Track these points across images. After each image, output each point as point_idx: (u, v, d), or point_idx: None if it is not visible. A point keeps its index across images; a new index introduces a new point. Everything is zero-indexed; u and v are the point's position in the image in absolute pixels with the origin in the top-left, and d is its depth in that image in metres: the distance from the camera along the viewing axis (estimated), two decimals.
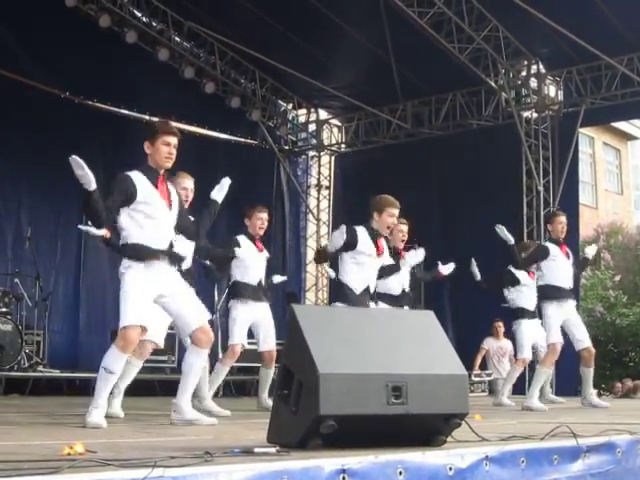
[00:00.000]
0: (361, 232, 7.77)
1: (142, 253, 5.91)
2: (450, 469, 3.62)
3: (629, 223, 29.91)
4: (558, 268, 9.50)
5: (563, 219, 9.73)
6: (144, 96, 14.89)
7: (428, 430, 3.98)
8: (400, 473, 3.44)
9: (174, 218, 6.20)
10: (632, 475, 4.50)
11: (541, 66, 15.08)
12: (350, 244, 7.73)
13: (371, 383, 3.83)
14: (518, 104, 15.34)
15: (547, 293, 9.55)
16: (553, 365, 10.23)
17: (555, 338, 9.45)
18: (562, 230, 9.65)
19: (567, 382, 14.24)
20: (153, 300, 5.95)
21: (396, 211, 7.88)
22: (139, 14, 14.91)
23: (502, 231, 9.33)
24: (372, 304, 7.78)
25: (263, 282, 8.69)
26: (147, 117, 15.50)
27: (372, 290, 7.86)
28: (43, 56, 13.65)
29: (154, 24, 15.04)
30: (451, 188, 15.64)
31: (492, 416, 7.07)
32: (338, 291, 7.90)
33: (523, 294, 11.10)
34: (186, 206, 6.98)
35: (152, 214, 6.01)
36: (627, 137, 33.07)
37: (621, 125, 30.18)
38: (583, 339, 9.71)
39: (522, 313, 11.02)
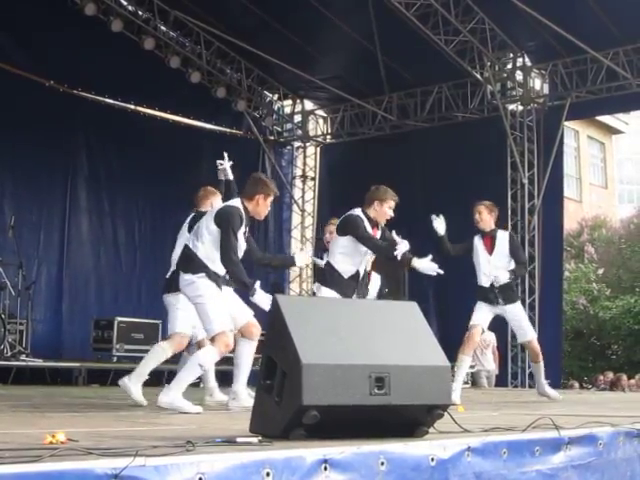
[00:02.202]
0: (364, 218, 7.75)
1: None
2: (432, 460, 3.62)
3: (613, 217, 30.08)
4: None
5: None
6: (129, 85, 14.84)
7: (411, 421, 3.98)
8: (382, 463, 3.44)
9: None
10: (613, 467, 4.52)
11: (527, 59, 15.10)
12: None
13: (354, 374, 3.82)
14: (504, 97, 15.37)
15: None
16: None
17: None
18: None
19: (549, 374, 14.30)
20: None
21: (394, 204, 7.88)
22: (125, 2, 14.85)
23: (435, 221, 9.30)
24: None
25: None
26: (132, 106, 15.48)
27: (361, 276, 7.84)
28: (27, 44, 13.60)
29: (140, 13, 14.98)
30: (436, 180, 15.65)
31: (475, 408, 7.08)
32: (326, 274, 7.84)
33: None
34: None
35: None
36: (612, 131, 33.23)
37: (606, 119, 30.33)
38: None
39: None
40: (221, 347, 6.37)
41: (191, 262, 6.53)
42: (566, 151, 18.36)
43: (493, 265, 9.16)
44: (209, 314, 6.39)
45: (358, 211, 7.82)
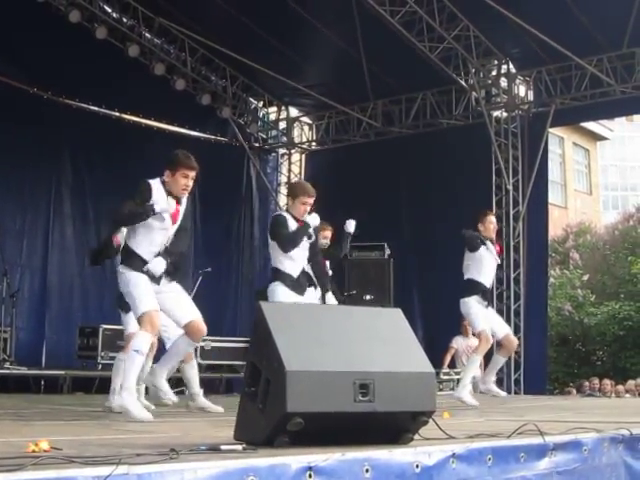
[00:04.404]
0: (290, 219, 7.97)
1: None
2: (417, 467, 3.62)
3: (597, 223, 30.18)
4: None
5: (494, 219, 9.78)
6: (114, 92, 14.79)
7: (395, 428, 3.97)
8: (367, 471, 3.44)
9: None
10: (599, 473, 4.52)
11: (511, 66, 15.14)
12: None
13: (338, 381, 3.82)
14: (488, 103, 15.40)
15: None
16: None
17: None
18: (493, 230, 9.67)
19: (534, 380, 14.38)
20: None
21: (310, 200, 8.04)
22: (109, 10, 14.80)
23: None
24: (309, 289, 8.08)
25: None
26: (116, 114, 15.43)
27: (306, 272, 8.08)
28: (10, 50, 13.50)
29: (124, 20, 14.93)
30: (420, 187, 15.67)
31: (460, 414, 7.08)
32: (276, 275, 8.01)
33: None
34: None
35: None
36: (596, 137, 33.39)
37: (590, 125, 30.47)
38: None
39: None
40: (146, 327, 6.37)
41: (123, 253, 6.72)
42: (551, 157, 18.44)
43: (494, 271, 9.68)
44: (134, 301, 6.48)
45: (284, 213, 8.21)
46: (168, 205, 6.56)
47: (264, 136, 18.30)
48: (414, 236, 15.51)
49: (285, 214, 8.11)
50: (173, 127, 16.28)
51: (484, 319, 9.24)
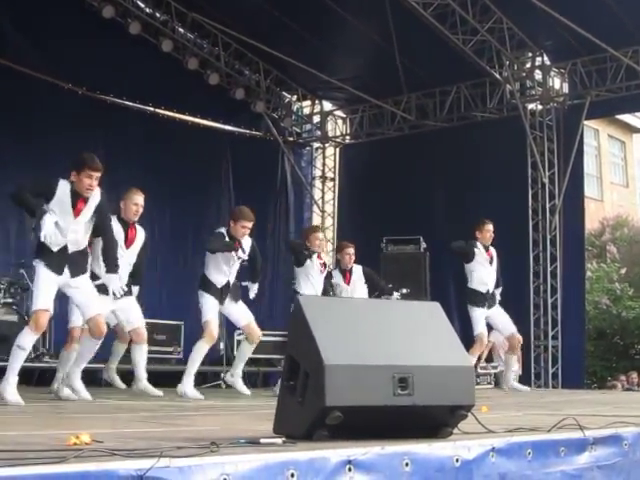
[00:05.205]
0: (225, 237, 9.15)
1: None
2: (457, 460, 3.60)
3: (634, 215, 29.85)
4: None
5: (491, 227, 11.07)
6: (147, 87, 14.85)
7: (434, 421, 3.96)
8: (406, 464, 3.42)
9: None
10: (639, 467, 4.48)
11: (546, 58, 15.03)
12: None
13: (377, 374, 3.81)
14: (523, 96, 15.30)
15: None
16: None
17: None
18: (490, 237, 11.05)
19: (572, 374, 14.30)
20: None
21: (249, 224, 9.16)
22: (142, 5, 14.88)
23: None
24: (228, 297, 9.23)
25: None
26: (151, 109, 15.49)
27: (231, 284, 9.27)
28: (44, 47, 13.58)
29: (158, 15, 15.01)
30: (455, 181, 15.60)
31: (498, 408, 7.05)
32: (202, 283, 9.24)
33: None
34: (136, 218, 8.73)
35: None
36: (632, 129, 33.00)
37: (626, 117, 30.11)
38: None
39: None
40: (32, 325, 6.92)
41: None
42: (586, 150, 18.30)
43: (491, 276, 11.07)
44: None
45: (223, 230, 9.25)
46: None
47: (298, 130, 18.30)
48: (448, 229, 15.42)
49: (224, 232, 9.19)
50: (207, 121, 16.33)
51: (483, 323, 10.92)
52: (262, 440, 3.53)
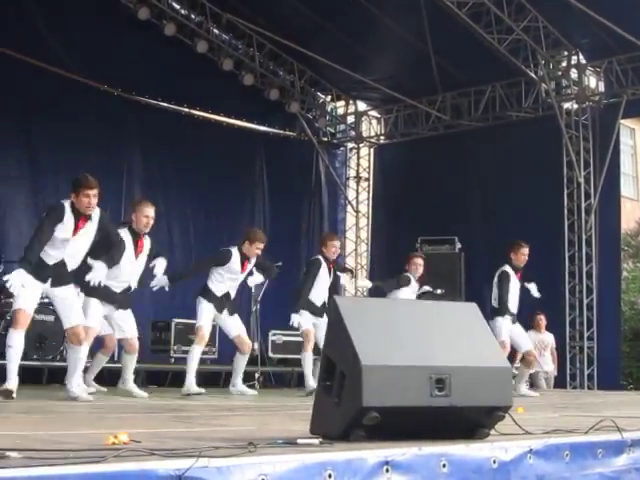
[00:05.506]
0: (235, 254, 9.64)
1: None
2: (494, 462, 3.59)
3: None
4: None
5: (526, 251, 11.19)
6: (182, 88, 14.92)
7: (471, 423, 3.95)
8: (444, 465, 3.42)
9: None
10: None
11: (581, 57, 14.91)
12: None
13: (414, 375, 3.80)
14: (558, 95, 15.20)
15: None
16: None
17: None
18: (523, 260, 11.22)
19: (607, 375, 14.20)
20: None
21: (262, 245, 9.69)
22: (177, 6, 14.97)
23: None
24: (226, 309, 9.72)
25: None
26: (185, 109, 15.56)
27: (231, 296, 9.82)
28: (81, 49, 13.67)
29: (192, 16, 15.09)
30: (490, 180, 15.54)
31: (534, 409, 7.02)
32: (202, 291, 9.72)
33: None
34: (147, 230, 8.76)
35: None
36: None
37: None
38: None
39: None
40: (14, 324, 7.36)
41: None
42: (622, 149, 18.12)
43: (517, 295, 11.32)
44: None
45: (235, 248, 9.72)
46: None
47: (332, 130, 18.32)
48: (483, 230, 15.37)
49: (233, 250, 9.67)
50: (242, 122, 16.38)
51: (507, 332, 11.00)
52: (299, 440, 3.54)
